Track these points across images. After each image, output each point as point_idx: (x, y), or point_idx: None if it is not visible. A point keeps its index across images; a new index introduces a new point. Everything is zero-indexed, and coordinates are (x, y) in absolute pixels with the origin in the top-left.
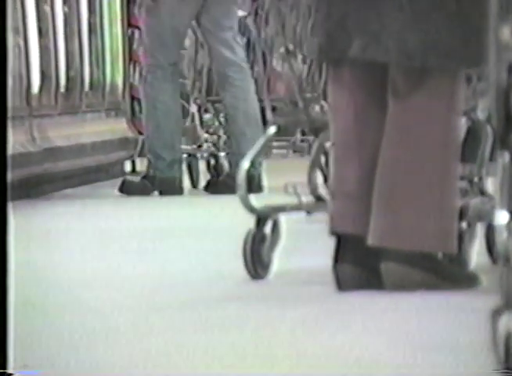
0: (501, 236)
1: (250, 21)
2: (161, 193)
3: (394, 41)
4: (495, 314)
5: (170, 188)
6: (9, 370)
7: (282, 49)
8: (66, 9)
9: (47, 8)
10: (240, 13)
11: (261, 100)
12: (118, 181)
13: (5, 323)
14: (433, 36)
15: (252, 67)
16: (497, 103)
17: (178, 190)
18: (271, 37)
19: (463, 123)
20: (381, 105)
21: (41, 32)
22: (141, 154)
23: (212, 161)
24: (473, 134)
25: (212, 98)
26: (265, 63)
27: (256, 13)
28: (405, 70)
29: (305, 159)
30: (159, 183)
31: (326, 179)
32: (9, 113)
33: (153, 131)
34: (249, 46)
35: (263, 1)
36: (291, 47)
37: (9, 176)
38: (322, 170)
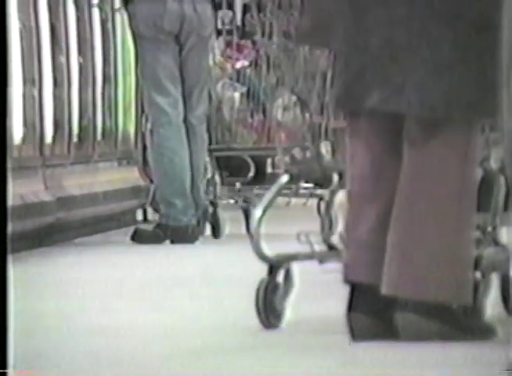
0: None
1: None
2: (173, 242)
3: (417, 93)
4: (511, 366)
5: (183, 236)
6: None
7: (285, 99)
8: (81, 60)
9: (62, 58)
10: (241, 64)
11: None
12: (130, 229)
13: (4, 322)
14: (455, 88)
15: (252, 116)
16: (510, 153)
17: (191, 238)
18: (271, 87)
19: (478, 173)
20: (397, 153)
21: (55, 82)
22: (153, 203)
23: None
24: (486, 183)
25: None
26: (264, 112)
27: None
28: (422, 120)
29: (307, 207)
30: (171, 232)
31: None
32: (22, 164)
33: (161, 178)
34: (248, 95)
35: (264, 51)
36: (303, 96)
37: (22, 225)
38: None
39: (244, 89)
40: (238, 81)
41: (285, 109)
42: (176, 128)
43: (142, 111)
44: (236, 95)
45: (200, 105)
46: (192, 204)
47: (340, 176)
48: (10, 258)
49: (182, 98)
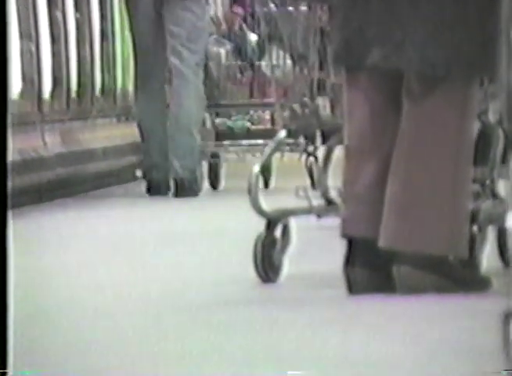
0: None
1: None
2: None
3: (417, 50)
4: (507, 317)
5: (184, 189)
6: (9, 371)
7: (275, 55)
8: (77, 15)
9: (59, 14)
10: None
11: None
12: (129, 186)
13: (5, 324)
14: (455, 45)
15: (241, 72)
16: (508, 106)
17: (189, 192)
18: (262, 42)
19: (476, 126)
20: (396, 109)
21: (53, 38)
22: None
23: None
24: (484, 137)
25: (225, 102)
26: (252, 67)
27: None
28: (421, 75)
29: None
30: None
31: (313, 184)
32: (21, 119)
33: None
34: (240, 52)
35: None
36: (301, 51)
37: (22, 181)
38: (310, 175)
39: (231, 46)
40: (229, 37)
41: (276, 65)
42: (154, 81)
43: None
44: (222, 51)
45: (192, 55)
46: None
47: (339, 131)
48: (10, 214)
49: (173, 48)
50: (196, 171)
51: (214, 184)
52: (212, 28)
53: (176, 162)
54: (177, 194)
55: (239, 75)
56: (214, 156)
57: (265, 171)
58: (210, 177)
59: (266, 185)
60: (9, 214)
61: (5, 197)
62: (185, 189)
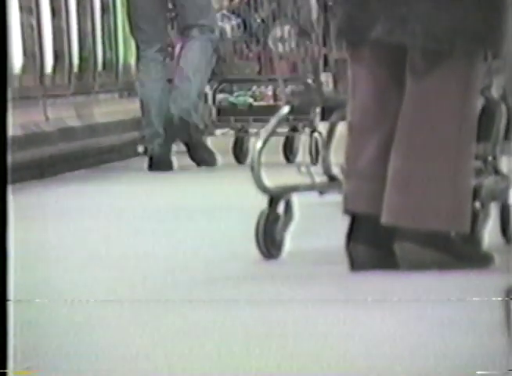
0: None
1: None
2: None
3: (421, 24)
4: (509, 293)
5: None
6: (9, 371)
7: (281, 30)
8: None
9: None
10: None
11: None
12: (131, 161)
13: (5, 324)
14: (459, 20)
15: (248, 47)
16: None
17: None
18: (266, 18)
19: (480, 102)
20: (400, 84)
21: (53, 12)
22: None
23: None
24: (487, 112)
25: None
26: (258, 42)
27: None
28: (425, 50)
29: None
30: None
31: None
32: (23, 93)
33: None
34: (245, 27)
35: None
36: (304, 26)
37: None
38: (310, 152)
39: (238, 21)
40: (233, 12)
41: (282, 40)
42: (152, 61)
43: None
44: (227, 26)
45: (200, 19)
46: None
47: (341, 107)
48: (10, 189)
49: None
50: (192, 115)
51: (239, 158)
52: (220, 3)
53: (173, 105)
54: (168, 136)
55: (246, 50)
56: (241, 130)
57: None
58: (235, 151)
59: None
60: (9, 189)
61: (5, 171)
62: (178, 130)
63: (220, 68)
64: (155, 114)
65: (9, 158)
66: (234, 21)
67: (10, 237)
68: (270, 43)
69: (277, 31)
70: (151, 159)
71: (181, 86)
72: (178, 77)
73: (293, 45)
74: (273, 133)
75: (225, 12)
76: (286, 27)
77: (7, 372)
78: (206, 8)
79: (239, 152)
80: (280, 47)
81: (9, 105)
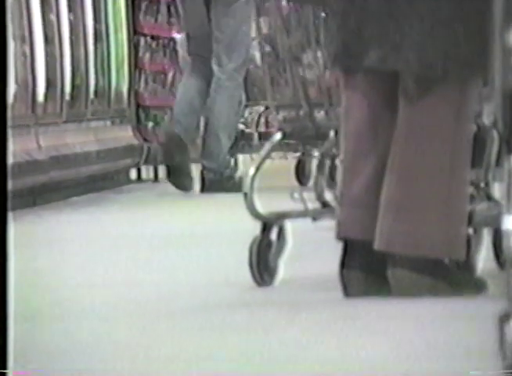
0: (508, 242)
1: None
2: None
3: (415, 51)
4: (503, 319)
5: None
6: (9, 371)
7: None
8: (71, 17)
9: (52, 16)
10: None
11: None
12: (124, 189)
13: (5, 324)
14: (452, 46)
15: (279, 73)
16: (503, 108)
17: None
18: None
19: (473, 129)
20: (393, 109)
21: (47, 40)
22: (146, 162)
23: None
24: (479, 139)
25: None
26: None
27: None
28: (418, 76)
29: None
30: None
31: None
32: (15, 122)
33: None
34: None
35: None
36: (296, 52)
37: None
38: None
39: (269, 48)
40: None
41: (310, 66)
42: (195, 78)
43: (135, 69)
44: (257, 54)
45: (230, 62)
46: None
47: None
48: (11, 216)
49: (213, 53)
50: (223, 174)
51: (301, 180)
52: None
53: (204, 163)
54: (203, 190)
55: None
56: (304, 154)
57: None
58: (297, 173)
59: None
60: (10, 215)
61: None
62: (212, 188)
63: (254, 95)
64: (183, 112)
65: (10, 185)
66: (265, 48)
67: (10, 262)
68: (300, 70)
69: (305, 58)
70: (168, 168)
71: (211, 145)
72: (207, 132)
73: (321, 70)
74: (265, 160)
75: (257, 40)
76: (314, 53)
77: (7, 372)
78: (241, 46)
79: (302, 174)
80: (308, 73)
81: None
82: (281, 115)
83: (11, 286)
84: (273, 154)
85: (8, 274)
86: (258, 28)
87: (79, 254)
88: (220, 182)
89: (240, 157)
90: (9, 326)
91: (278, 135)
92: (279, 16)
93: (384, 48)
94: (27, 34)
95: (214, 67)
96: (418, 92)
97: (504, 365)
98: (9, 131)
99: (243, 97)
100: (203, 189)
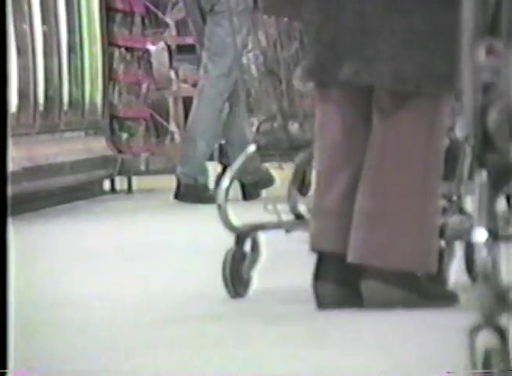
0: (480, 254)
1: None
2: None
3: (388, 66)
4: (474, 331)
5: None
6: (9, 371)
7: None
8: (45, 28)
9: (25, 27)
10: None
11: None
12: (97, 200)
13: (5, 324)
14: (425, 61)
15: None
16: (473, 123)
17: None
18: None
19: (446, 143)
20: (368, 122)
21: (19, 51)
22: (120, 173)
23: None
24: (451, 152)
25: None
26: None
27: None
28: (392, 90)
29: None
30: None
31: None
32: None
33: None
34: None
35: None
36: (270, 65)
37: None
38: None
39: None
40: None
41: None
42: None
43: (109, 80)
44: (253, 66)
45: (215, 69)
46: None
47: (308, 147)
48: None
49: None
50: (198, 179)
51: (301, 190)
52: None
53: (179, 168)
54: (177, 197)
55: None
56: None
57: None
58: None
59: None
60: (9, 221)
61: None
62: (187, 194)
63: (249, 105)
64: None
65: (9, 191)
66: (258, 59)
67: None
68: (294, 82)
69: (299, 70)
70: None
71: (187, 150)
72: (185, 138)
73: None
74: (238, 172)
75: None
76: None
77: (7, 372)
78: (227, 55)
79: (301, 184)
80: (301, 85)
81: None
82: (254, 127)
83: (11, 288)
84: (267, 165)
85: (8, 277)
86: (256, 40)
87: (52, 264)
88: (195, 189)
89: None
90: (9, 326)
91: (252, 147)
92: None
93: (357, 62)
94: None
95: (201, 74)
96: (391, 106)
97: None
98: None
99: (226, 106)
100: (177, 196)
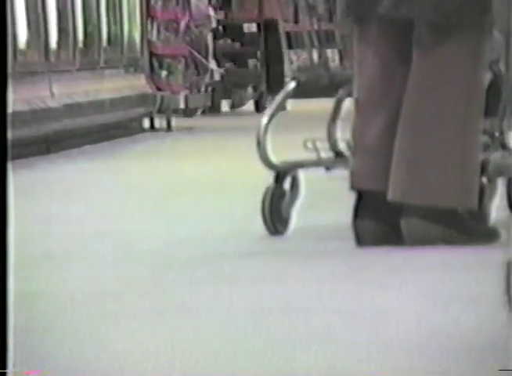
0: None
1: None
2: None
3: None
4: (509, 265)
5: None
6: (9, 371)
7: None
8: None
9: None
10: None
11: None
12: (137, 137)
13: (5, 324)
14: None
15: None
16: None
17: None
18: None
19: (487, 77)
20: (407, 60)
21: None
22: (159, 111)
23: None
24: (494, 87)
25: None
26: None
27: None
28: (433, 24)
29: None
30: None
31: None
32: (27, 69)
33: None
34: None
35: None
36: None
37: (29, 131)
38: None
39: None
40: None
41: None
42: None
43: (148, 17)
44: None
45: None
46: None
47: (348, 83)
48: (10, 166)
49: None
50: None
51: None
52: None
53: None
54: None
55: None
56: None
57: None
58: None
59: None
60: (9, 166)
61: (6, 147)
62: None
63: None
64: None
65: (10, 134)
66: None
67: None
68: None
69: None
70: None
71: None
72: None
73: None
74: (279, 109)
75: None
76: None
77: (7, 372)
78: None
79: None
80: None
81: (10, 81)
82: (295, 65)
83: (11, 288)
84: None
85: (8, 274)
86: None
87: (90, 202)
88: None
89: None
90: (8, 326)
91: (292, 84)
92: None
93: None
94: None
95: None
96: (433, 40)
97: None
98: (19, 79)
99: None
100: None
